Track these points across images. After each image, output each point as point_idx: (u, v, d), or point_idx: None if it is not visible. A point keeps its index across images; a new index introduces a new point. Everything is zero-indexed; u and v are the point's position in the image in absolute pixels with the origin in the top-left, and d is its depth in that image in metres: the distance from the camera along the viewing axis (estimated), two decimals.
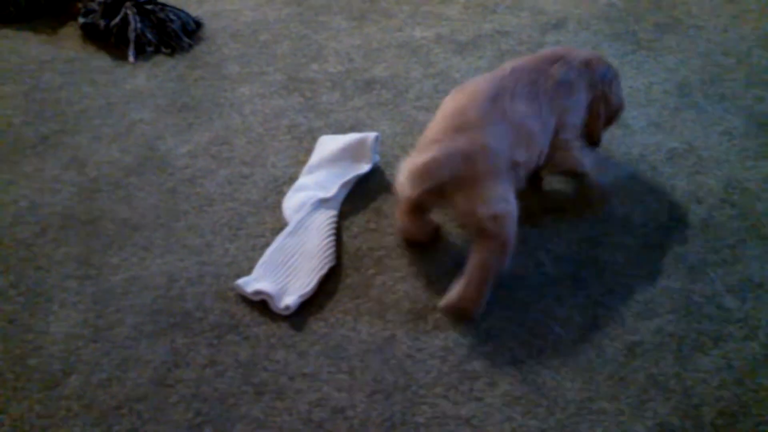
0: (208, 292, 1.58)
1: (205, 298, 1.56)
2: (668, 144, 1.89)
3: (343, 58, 2.21)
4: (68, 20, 2.36)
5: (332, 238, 1.65)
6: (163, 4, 2.33)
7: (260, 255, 1.63)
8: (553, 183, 1.78)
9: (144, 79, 2.15)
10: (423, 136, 1.58)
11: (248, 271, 1.60)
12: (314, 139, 1.91)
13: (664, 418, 1.36)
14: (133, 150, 1.91)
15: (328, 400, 1.39)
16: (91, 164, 1.88)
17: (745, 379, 1.41)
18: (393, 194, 1.77)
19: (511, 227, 1.51)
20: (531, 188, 1.68)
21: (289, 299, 1.53)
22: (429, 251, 1.65)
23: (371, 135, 1.84)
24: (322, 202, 1.73)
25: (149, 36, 2.25)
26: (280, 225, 1.70)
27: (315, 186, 1.77)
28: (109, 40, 2.26)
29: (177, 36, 2.26)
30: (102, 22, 2.27)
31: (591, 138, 1.74)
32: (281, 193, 1.78)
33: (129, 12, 2.26)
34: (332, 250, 1.63)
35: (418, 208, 1.62)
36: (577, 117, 1.69)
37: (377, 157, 1.84)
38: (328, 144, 1.87)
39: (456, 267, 1.61)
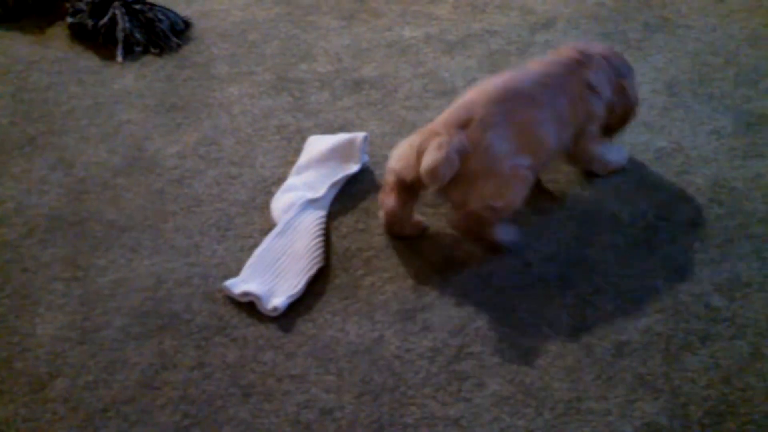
0: (195, 293, 1.57)
1: (192, 300, 1.56)
2: (657, 143, 1.89)
3: (332, 57, 2.20)
4: (56, 20, 2.35)
5: (321, 238, 1.65)
6: (152, 4, 2.32)
7: (248, 256, 1.63)
8: (543, 182, 1.78)
9: (132, 79, 2.14)
10: (430, 123, 1.58)
11: (236, 272, 1.60)
12: (303, 139, 1.91)
13: (651, 418, 1.36)
14: (121, 150, 1.91)
15: (316, 402, 1.39)
16: (78, 165, 1.87)
17: (732, 378, 1.42)
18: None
19: (500, 217, 1.55)
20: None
21: (278, 300, 1.53)
22: (417, 251, 1.65)
23: (360, 135, 1.84)
24: (311, 203, 1.72)
25: (137, 36, 2.24)
26: (268, 226, 1.70)
27: (304, 186, 1.77)
28: (97, 40, 2.25)
29: (165, 36, 2.25)
30: (90, 22, 2.25)
31: (608, 132, 1.75)
32: (270, 194, 1.77)
33: (117, 12, 2.25)
34: (321, 250, 1.63)
35: (407, 190, 1.60)
36: (600, 116, 1.70)
37: (366, 157, 1.84)
38: (317, 144, 1.87)
39: (445, 267, 1.61)
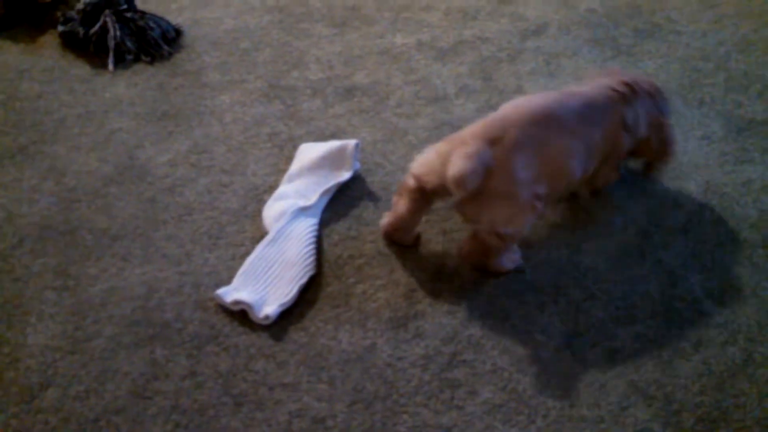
0: (187, 302, 1.57)
1: (184, 309, 1.55)
2: None
3: (324, 65, 2.20)
4: (47, 28, 2.34)
5: (313, 246, 1.65)
6: (143, 12, 2.32)
7: (240, 264, 1.62)
8: None
9: (123, 87, 2.13)
10: (463, 130, 1.55)
11: (228, 280, 1.59)
12: (295, 147, 1.90)
13: (644, 425, 1.36)
14: (112, 159, 1.90)
15: (308, 411, 1.39)
16: (69, 174, 1.86)
17: (725, 384, 1.42)
18: (374, 202, 1.77)
19: (508, 245, 1.55)
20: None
21: (269, 309, 1.52)
22: (409, 259, 1.65)
23: (351, 142, 1.84)
24: (303, 211, 1.72)
25: (129, 44, 2.24)
26: (260, 234, 1.70)
27: (295, 194, 1.76)
28: (89, 49, 2.24)
29: (157, 44, 2.24)
30: (81, 30, 2.25)
31: (649, 170, 1.75)
32: (261, 202, 1.77)
33: (108, 20, 2.25)
34: (313, 258, 1.63)
35: (423, 197, 1.59)
36: (625, 152, 1.69)
37: (358, 165, 1.84)
38: (309, 152, 1.86)
39: (438, 274, 1.61)
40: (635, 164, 1.80)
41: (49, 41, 2.31)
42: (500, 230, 1.50)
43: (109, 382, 1.43)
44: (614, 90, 1.64)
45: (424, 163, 1.56)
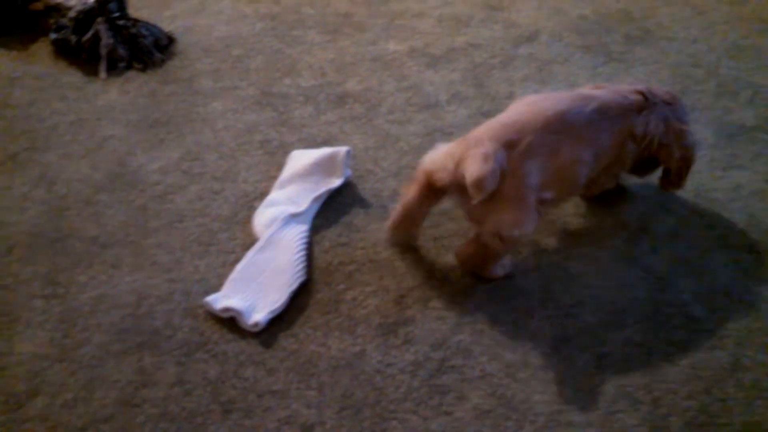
0: (177, 309, 1.57)
1: (173, 316, 1.55)
2: None
3: (316, 72, 2.21)
4: (39, 36, 2.35)
5: (303, 253, 1.65)
6: (136, 20, 2.32)
7: (230, 271, 1.62)
8: None
9: (116, 94, 2.14)
10: (478, 129, 1.54)
11: (218, 287, 1.59)
12: (286, 154, 1.91)
13: (633, 429, 1.36)
14: (104, 166, 1.90)
15: (297, 417, 1.38)
16: (60, 181, 1.86)
17: (713, 388, 1.42)
18: (365, 209, 1.78)
19: (508, 249, 1.55)
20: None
21: (259, 316, 1.52)
22: (399, 265, 1.65)
23: (343, 149, 1.84)
24: (293, 217, 1.72)
25: (121, 51, 2.24)
26: (250, 240, 1.70)
27: (286, 201, 1.77)
28: (81, 56, 2.25)
29: (149, 51, 2.25)
30: (73, 38, 2.26)
31: (670, 182, 1.73)
32: (252, 209, 1.77)
33: (101, 27, 2.25)
34: (303, 265, 1.63)
35: (432, 191, 1.58)
36: (628, 164, 1.69)
37: (349, 172, 1.84)
38: (300, 159, 1.87)
39: (427, 281, 1.61)
40: (653, 179, 1.77)
41: (42, 49, 2.32)
42: (504, 233, 1.50)
43: (97, 390, 1.43)
44: (627, 98, 1.63)
45: (436, 160, 1.55)
